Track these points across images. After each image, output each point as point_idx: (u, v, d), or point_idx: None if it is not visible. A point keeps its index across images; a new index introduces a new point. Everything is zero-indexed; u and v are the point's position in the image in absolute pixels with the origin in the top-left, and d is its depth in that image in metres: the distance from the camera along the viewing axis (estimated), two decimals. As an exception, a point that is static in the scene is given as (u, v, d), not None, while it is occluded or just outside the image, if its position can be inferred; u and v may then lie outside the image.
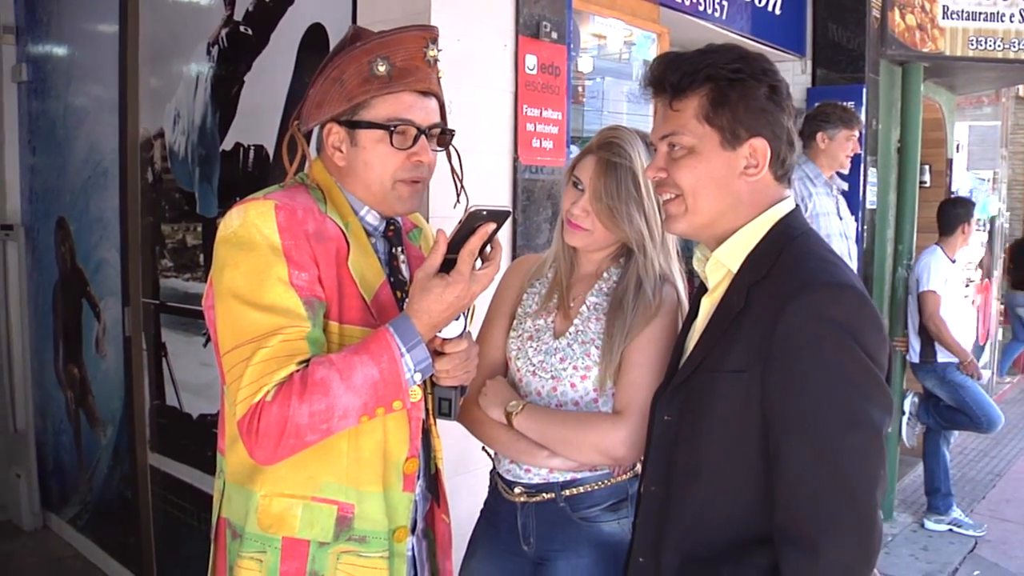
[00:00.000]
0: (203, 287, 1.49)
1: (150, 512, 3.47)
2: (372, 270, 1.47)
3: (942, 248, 4.60)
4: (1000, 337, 8.04)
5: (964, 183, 6.68)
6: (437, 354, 1.44)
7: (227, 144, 2.92)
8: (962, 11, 4.54)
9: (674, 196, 1.35)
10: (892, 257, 4.75)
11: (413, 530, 1.55)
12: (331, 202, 1.47)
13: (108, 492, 3.80)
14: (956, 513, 4.62)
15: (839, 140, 3.70)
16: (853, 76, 4.31)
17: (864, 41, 4.30)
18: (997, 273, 7.67)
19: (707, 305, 1.39)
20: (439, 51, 1.50)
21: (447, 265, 1.35)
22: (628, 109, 3.85)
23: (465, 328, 1.48)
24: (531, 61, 2.53)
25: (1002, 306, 7.98)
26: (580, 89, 3.61)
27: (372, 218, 1.51)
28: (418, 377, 1.36)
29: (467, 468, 2.11)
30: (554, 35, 2.60)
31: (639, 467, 1.61)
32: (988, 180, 7.60)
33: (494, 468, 1.81)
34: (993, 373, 7.47)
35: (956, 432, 4.87)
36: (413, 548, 1.57)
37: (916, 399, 4.79)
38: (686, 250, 1.75)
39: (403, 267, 1.57)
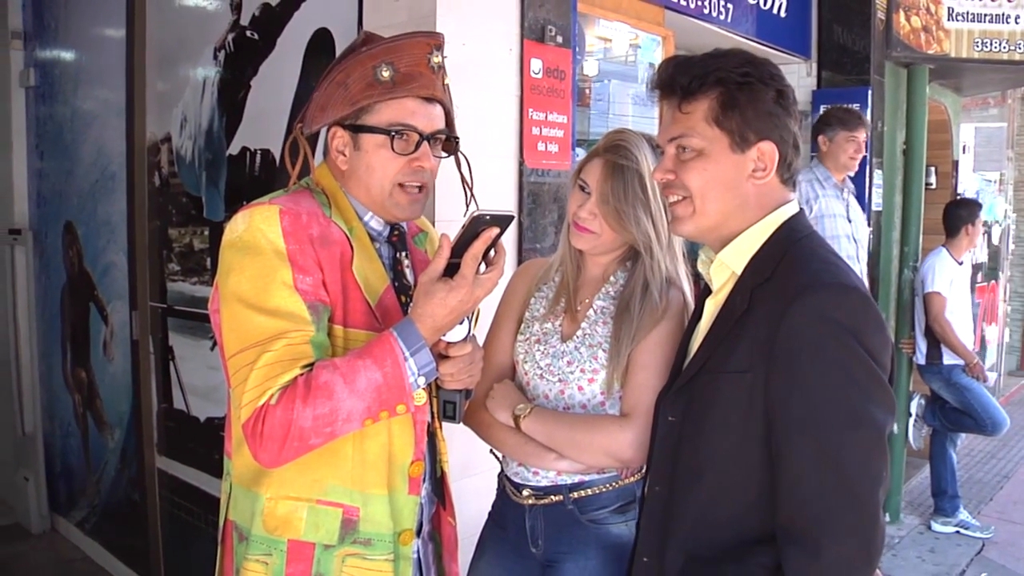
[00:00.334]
0: (210, 291, 1.49)
1: (158, 515, 3.48)
2: (376, 274, 1.47)
3: (948, 250, 4.59)
4: (1008, 339, 8.00)
5: (971, 185, 6.65)
6: (441, 358, 1.45)
7: (234, 148, 2.93)
8: (967, 13, 4.53)
9: (682, 198, 1.35)
10: (898, 259, 4.73)
11: (419, 533, 1.55)
12: (336, 207, 1.48)
13: (116, 495, 3.81)
14: (963, 515, 4.61)
15: (838, 142, 3.71)
16: (858, 78, 4.29)
17: (869, 43, 4.29)
18: (1004, 275, 7.64)
19: (711, 307, 1.40)
20: (444, 57, 1.50)
21: (451, 269, 1.35)
22: (634, 112, 3.85)
23: (469, 332, 1.48)
24: (536, 65, 2.53)
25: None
26: (586, 92, 3.61)
27: (376, 223, 1.52)
28: (422, 381, 1.37)
29: (473, 471, 2.11)
30: (559, 39, 2.60)
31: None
32: (995, 181, 7.57)
33: (502, 471, 1.81)
34: (1000, 375, 7.43)
35: (963, 434, 4.85)
36: (419, 551, 1.58)
37: (923, 401, 4.78)
38: (691, 252, 1.75)
39: (407, 271, 1.57)
